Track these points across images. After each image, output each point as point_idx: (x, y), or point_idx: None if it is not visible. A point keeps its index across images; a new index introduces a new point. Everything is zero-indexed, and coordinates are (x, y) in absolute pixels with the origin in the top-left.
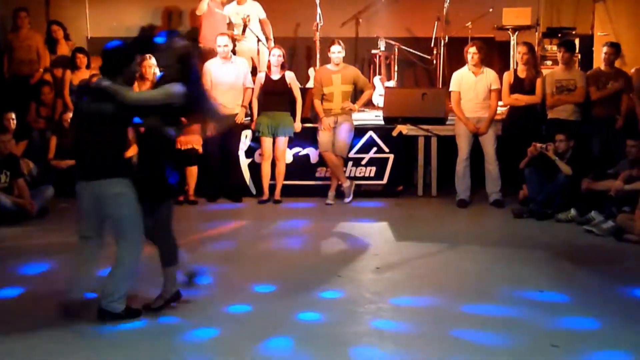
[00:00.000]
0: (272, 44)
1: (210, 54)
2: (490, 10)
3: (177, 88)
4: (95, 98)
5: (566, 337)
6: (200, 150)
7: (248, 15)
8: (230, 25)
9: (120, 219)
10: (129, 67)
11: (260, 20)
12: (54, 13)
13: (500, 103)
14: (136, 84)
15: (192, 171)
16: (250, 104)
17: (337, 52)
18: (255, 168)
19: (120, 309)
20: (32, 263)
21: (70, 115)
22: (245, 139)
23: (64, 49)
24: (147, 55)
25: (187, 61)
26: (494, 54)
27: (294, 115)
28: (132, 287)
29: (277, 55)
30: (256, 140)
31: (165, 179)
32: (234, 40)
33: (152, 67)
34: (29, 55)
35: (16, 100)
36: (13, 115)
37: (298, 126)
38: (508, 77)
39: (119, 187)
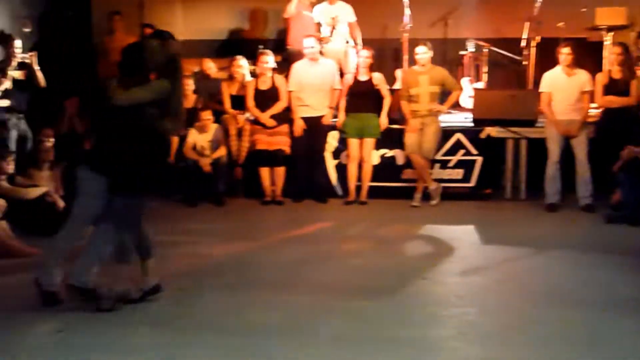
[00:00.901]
0: (360, 48)
1: (299, 55)
2: (583, 10)
3: (163, 85)
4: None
5: None
6: (288, 151)
7: (337, 16)
8: (318, 25)
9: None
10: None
11: (349, 24)
12: (147, 16)
13: (593, 105)
14: (225, 84)
15: (280, 172)
16: (337, 105)
17: (422, 52)
18: (342, 169)
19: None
20: None
21: None
22: (332, 140)
23: None
24: (237, 57)
25: (175, 61)
26: (586, 55)
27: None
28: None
29: (364, 56)
30: (343, 141)
31: (141, 173)
32: (321, 41)
33: (241, 67)
34: None
35: None
36: None
37: (384, 121)
38: (602, 78)
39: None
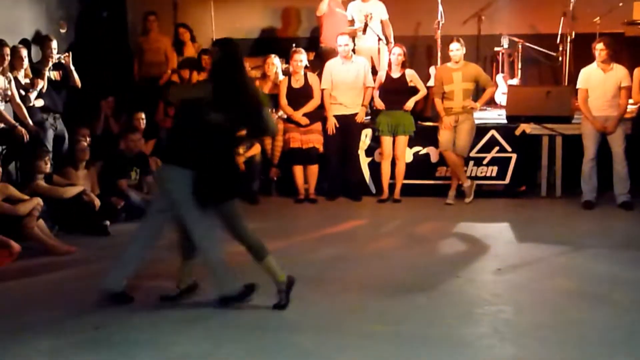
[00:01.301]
0: (392, 46)
1: (332, 53)
2: (621, 4)
3: (204, 85)
4: None
5: None
6: (321, 149)
7: (370, 13)
8: (351, 22)
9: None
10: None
11: (381, 21)
12: (181, 16)
13: (630, 101)
14: (258, 83)
15: (313, 170)
16: (371, 102)
17: (455, 49)
18: (375, 167)
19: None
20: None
21: None
22: (366, 138)
23: (190, 51)
24: (270, 55)
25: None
26: (624, 50)
27: (414, 114)
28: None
29: (397, 54)
30: (376, 139)
31: (228, 178)
32: (353, 38)
33: (274, 66)
34: (157, 58)
35: (146, 101)
36: (143, 115)
37: (409, 104)
38: (639, 74)
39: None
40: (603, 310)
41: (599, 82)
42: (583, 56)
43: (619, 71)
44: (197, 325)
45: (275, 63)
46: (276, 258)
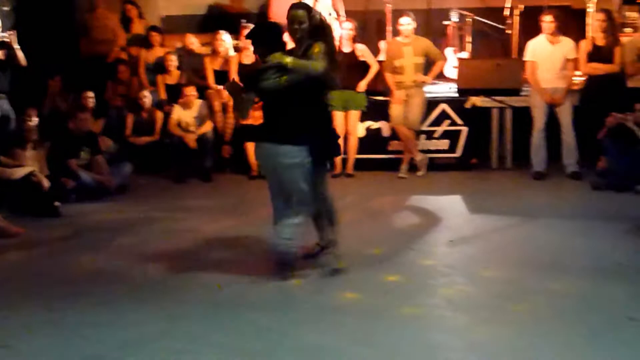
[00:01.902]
0: (342, 20)
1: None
2: None
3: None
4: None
5: None
6: None
7: None
8: None
9: None
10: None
11: None
12: None
13: (577, 73)
14: (208, 60)
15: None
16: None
17: (406, 24)
18: None
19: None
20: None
21: (146, 92)
22: None
23: (138, 28)
24: (220, 32)
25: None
26: (570, 23)
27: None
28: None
29: (348, 28)
30: None
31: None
32: None
33: (224, 42)
34: (105, 35)
35: (94, 80)
36: (91, 94)
37: (362, 86)
38: (586, 45)
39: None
40: (556, 279)
41: (546, 55)
42: (531, 29)
43: (566, 43)
44: (153, 303)
45: (224, 39)
46: (232, 235)
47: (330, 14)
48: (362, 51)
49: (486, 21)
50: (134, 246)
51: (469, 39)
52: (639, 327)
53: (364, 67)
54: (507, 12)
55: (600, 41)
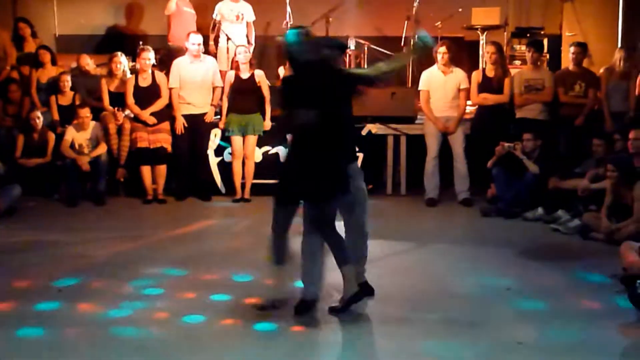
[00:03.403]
0: (252, 47)
1: (180, 52)
2: (460, 10)
3: None
4: None
5: (531, 335)
6: (169, 149)
7: (242, 14)
8: (214, 22)
9: None
10: None
11: (247, 23)
12: (20, 10)
13: (469, 102)
14: (104, 81)
15: (161, 170)
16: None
17: None
18: (224, 167)
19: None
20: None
21: (38, 113)
22: (215, 138)
23: (31, 47)
24: (117, 53)
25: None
26: (464, 54)
27: (263, 114)
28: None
29: (242, 52)
30: (226, 139)
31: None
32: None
33: (121, 64)
34: None
35: None
36: None
37: (268, 124)
38: (476, 76)
39: None
40: (445, 303)
41: (439, 84)
42: (425, 58)
43: (458, 74)
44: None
45: (122, 61)
46: (126, 260)
47: (229, 39)
48: (260, 77)
49: (382, 50)
50: (22, 270)
51: (365, 67)
52: (528, 351)
53: (262, 92)
54: (402, 42)
55: (491, 72)
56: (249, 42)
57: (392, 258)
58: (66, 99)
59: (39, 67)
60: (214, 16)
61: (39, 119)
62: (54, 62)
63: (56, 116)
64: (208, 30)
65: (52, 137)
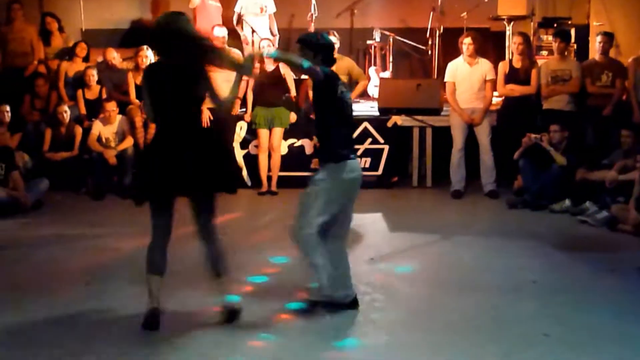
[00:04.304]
0: (277, 38)
1: None
2: (486, 0)
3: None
4: None
5: (557, 328)
6: None
7: (266, 6)
8: (239, 16)
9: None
10: None
11: (269, 15)
12: (47, 5)
13: (495, 94)
14: (131, 74)
15: None
16: (245, 95)
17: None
18: (250, 159)
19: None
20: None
21: (65, 107)
22: (240, 131)
23: (57, 41)
24: (143, 47)
25: None
26: (489, 45)
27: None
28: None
29: (267, 45)
30: (251, 132)
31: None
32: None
33: (147, 57)
34: (22, 48)
35: (10, 93)
36: (7, 108)
37: (294, 117)
38: (503, 67)
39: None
40: (472, 296)
41: (465, 76)
42: (451, 50)
43: (484, 65)
44: (68, 324)
45: (148, 55)
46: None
47: (254, 32)
48: (285, 70)
49: (407, 41)
50: (49, 264)
51: (390, 58)
52: (553, 343)
53: (286, 84)
54: (428, 33)
55: (517, 63)
56: (272, 34)
57: (417, 250)
58: (93, 93)
59: (72, 58)
60: (236, 9)
61: (66, 113)
62: (86, 59)
63: (83, 110)
64: (232, 23)
65: (79, 131)
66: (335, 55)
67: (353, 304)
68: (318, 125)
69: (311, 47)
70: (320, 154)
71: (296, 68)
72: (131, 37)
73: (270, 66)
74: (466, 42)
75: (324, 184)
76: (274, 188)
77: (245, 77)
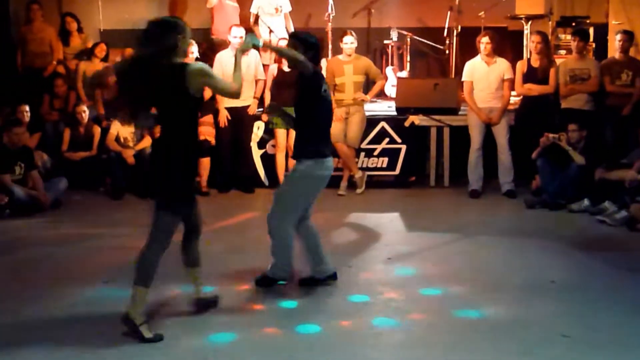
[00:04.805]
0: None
1: (223, 45)
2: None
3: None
4: None
5: (577, 328)
6: (213, 141)
7: (281, 6)
8: (255, 16)
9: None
10: None
11: (285, 15)
12: (65, 6)
13: (513, 93)
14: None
15: (205, 162)
16: (262, 95)
17: (349, 42)
18: (267, 159)
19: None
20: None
21: (84, 107)
22: (258, 130)
23: (76, 42)
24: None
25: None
26: (507, 44)
27: None
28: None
29: (284, 45)
30: (269, 132)
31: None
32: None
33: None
34: (42, 48)
35: (30, 93)
36: (27, 108)
37: None
38: (521, 66)
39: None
40: (492, 295)
41: (483, 75)
42: (469, 49)
43: (502, 64)
44: (87, 323)
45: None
46: (169, 251)
47: (271, 32)
48: None
49: (425, 41)
50: (69, 263)
51: (408, 58)
52: (572, 344)
53: None
54: (445, 33)
55: (536, 62)
56: (289, 34)
57: (435, 250)
58: (111, 92)
59: (91, 57)
60: (252, 10)
61: (84, 112)
62: (105, 59)
63: (101, 110)
64: (249, 23)
65: (97, 130)
66: (353, 54)
67: (333, 276)
68: (298, 121)
69: (303, 43)
70: (297, 149)
71: (291, 60)
72: None
73: (287, 67)
74: (484, 42)
75: (299, 180)
76: None
77: (261, 78)
